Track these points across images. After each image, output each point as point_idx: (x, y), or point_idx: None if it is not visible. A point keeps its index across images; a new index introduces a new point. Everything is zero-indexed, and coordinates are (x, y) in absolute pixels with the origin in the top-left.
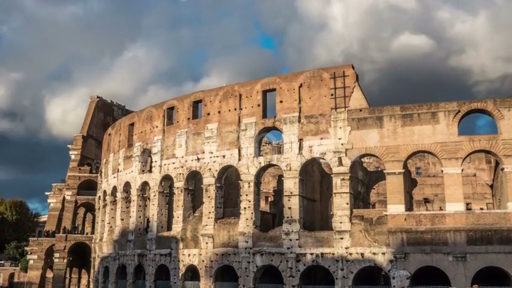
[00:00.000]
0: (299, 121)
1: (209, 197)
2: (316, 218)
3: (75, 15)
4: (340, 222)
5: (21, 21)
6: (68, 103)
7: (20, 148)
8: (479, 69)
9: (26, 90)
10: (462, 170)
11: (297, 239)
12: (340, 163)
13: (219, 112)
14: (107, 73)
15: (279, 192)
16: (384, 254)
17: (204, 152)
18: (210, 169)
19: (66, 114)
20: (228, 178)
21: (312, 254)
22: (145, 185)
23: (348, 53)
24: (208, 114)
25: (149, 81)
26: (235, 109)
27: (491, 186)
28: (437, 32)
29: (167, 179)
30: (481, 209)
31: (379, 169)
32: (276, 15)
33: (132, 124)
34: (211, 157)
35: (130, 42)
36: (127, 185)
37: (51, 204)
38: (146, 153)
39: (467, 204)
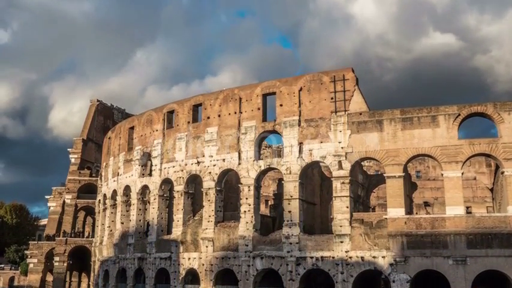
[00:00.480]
0: (299, 125)
1: (209, 200)
2: (316, 222)
3: (86, 13)
4: (340, 226)
5: (27, 19)
6: (77, 104)
7: (27, 150)
8: (502, 69)
9: (32, 90)
10: (462, 174)
11: (297, 243)
12: (340, 167)
13: (219, 116)
14: (118, 73)
15: (279, 195)
16: (384, 257)
17: (204, 156)
18: (210, 173)
19: (73, 115)
20: (228, 182)
21: (312, 257)
22: (145, 189)
23: (368, 50)
24: (208, 117)
25: (158, 80)
26: (235, 113)
27: (492, 190)
28: (463, 31)
29: (167, 183)
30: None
31: (379, 173)
32: (295, 13)
33: (132, 128)
34: (211, 161)
35: (143, 42)
36: (127, 189)
37: (51, 208)
38: (146, 156)
39: (468, 207)
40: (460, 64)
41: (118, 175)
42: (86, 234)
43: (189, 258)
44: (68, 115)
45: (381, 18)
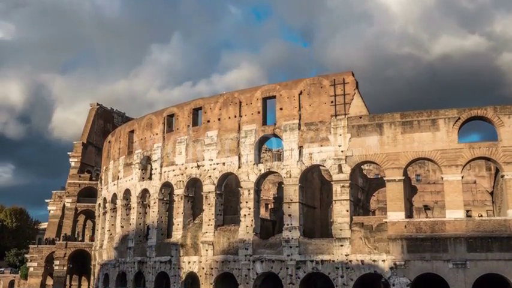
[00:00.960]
0: (299, 128)
1: (209, 204)
2: (316, 225)
3: (94, 12)
4: (340, 229)
5: (33, 16)
6: (81, 105)
7: (34, 152)
8: None
9: (38, 90)
10: (462, 177)
11: (297, 246)
12: (340, 170)
13: (219, 119)
14: (128, 74)
15: (279, 199)
16: (384, 261)
17: (204, 159)
18: (210, 176)
19: (80, 115)
20: (228, 185)
21: (312, 261)
22: (145, 192)
23: (387, 48)
24: (208, 121)
25: (165, 81)
26: (235, 116)
27: (492, 193)
28: (489, 31)
29: (167, 186)
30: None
31: (379, 176)
32: (312, 9)
33: (132, 131)
34: (211, 164)
35: (150, 43)
36: (127, 192)
37: (51, 212)
38: (146, 160)
39: (468, 211)
40: (482, 64)
41: (118, 179)
42: (86, 238)
43: (189, 262)
44: (74, 115)
45: (400, 15)
